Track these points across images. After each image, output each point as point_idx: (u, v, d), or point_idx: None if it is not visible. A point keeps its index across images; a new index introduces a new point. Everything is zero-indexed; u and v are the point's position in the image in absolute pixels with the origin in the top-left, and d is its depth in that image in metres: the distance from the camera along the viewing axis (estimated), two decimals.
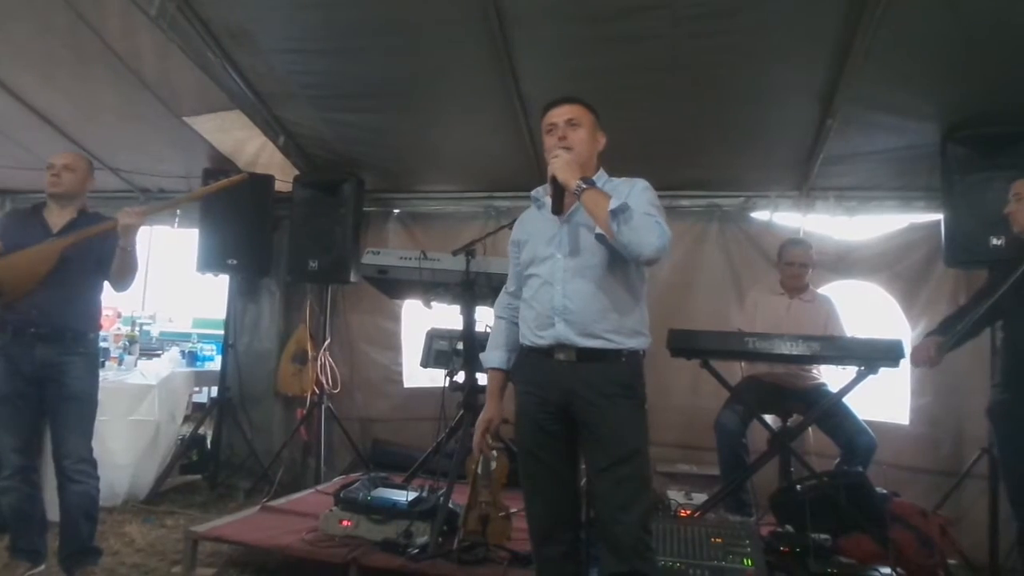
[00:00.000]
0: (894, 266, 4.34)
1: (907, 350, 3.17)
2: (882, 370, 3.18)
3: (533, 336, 2.23)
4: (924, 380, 4.15)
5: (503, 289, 2.51)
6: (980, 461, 3.65)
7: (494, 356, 2.43)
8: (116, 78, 4.23)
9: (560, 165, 2.16)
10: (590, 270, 2.18)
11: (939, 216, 3.97)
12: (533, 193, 2.42)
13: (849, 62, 3.41)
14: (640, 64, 3.60)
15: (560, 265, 2.21)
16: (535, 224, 2.37)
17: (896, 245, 4.37)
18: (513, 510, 3.16)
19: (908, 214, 4.36)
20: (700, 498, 3.66)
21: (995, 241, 3.53)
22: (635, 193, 2.16)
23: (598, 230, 2.10)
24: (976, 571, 3.52)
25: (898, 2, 3.05)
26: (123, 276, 3.08)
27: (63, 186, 3.08)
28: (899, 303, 4.32)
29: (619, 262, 2.16)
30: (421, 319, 4.78)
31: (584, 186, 2.10)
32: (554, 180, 2.17)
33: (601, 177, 2.30)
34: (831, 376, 3.78)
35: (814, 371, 3.80)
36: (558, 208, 2.21)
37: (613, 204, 2.02)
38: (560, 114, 2.28)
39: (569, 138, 2.24)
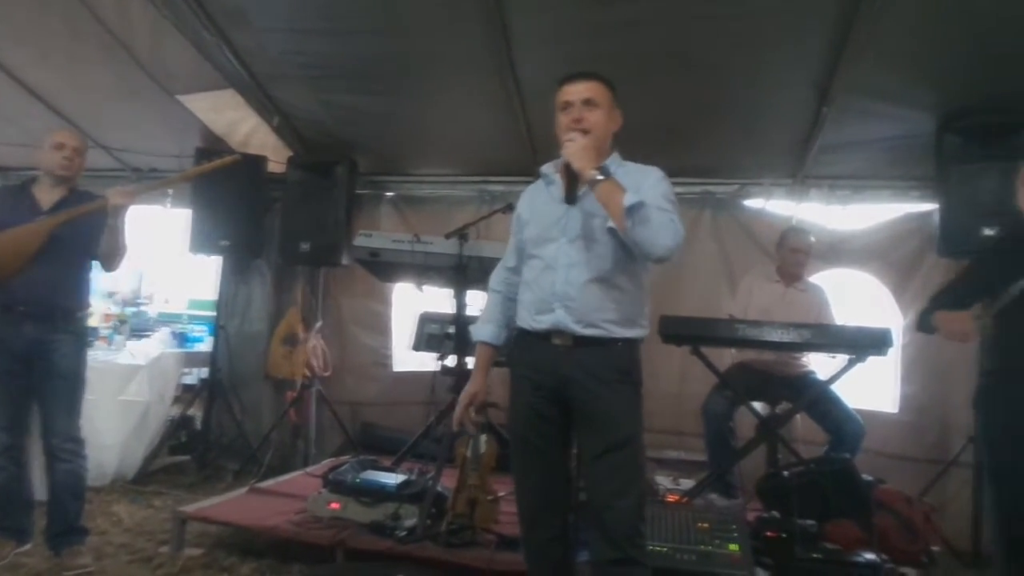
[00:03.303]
0: (887, 255, 4.35)
1: (897, 339, 3.17)
2: (871, 358, 3.19)
3: (530, 319, 2.18)
4: (912, 369, 4.18)
5: (501, 262, 2.43)
6: (966, 450, 3.68)
7: (485, 330, 2.37)
8: (109, 55, 4.19)
9: (576, 151, 2.04)
10: (595, 258, 2.11)
11: (933, 206, 3.99)
12: (543, 168, 2.31)
13: (847, 49, 3.39)
14: (637, 49, 3.57)
15: (564, 250, 2.14)
16: (542, 202, 2.27)
17: (889, 235, 4.38)
18: (501, 494, 3.18)
19: (902, 203, 4.37)
20: (688, 483, 3.68)
21: (988, 231, 3.53)
22: (649, 184, 2.08)
23: (610, 223, 2.04)
24: (959, 557, 3.55)
25: None
26: (112, 255, 3.07)
27: (74, 169, 3.11)
28: (891, 292, 4.33)
29: (625, 252, 2.09)
30: (412, 302, 4.77)
31: (600, 177, 2.00)
32: (568, 166, 2.07)
33: (615, 161, 2.20)
34: (820, 364, 3.80)
35: (803, 359, 3.81)
36: (571, 197, 2.10)
37: (629, 200, 1.93)
38: (577, 92, 2.15)
39: (586, 119, 2.12)
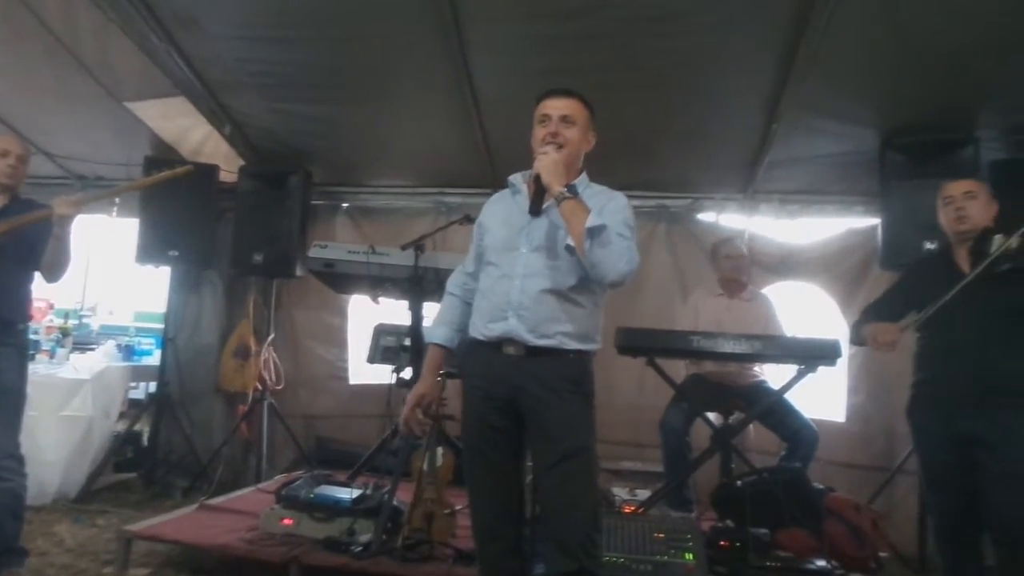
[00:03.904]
0: (833, 268, 4.48)
1: (844, 350, 3.26)
2: (820, 368, 3.27)
3: (483, 327, 2.19)
4: (858, 379, 4.30)
5: (459, 267, 2.44)
6: (911, 458, 3.78)
7: (438, 332, 2.37)
8: (54, 59, 4.08)
9: (547, 165, 2.09)
10: (552, 270, 2.14)
11: (876, 221, 4.12)
12: (511, 178, 2.34)
13: (795, 67, 3.50)
14: (593, 64, 3.61)
15: (525, 259, 2.16)
16: (506, 210, 2.29)
17: (836, 248, 4.51)
18: (458, 507, 3.16)
19: (847, 218, 4.51)
20: (644, 494, 3.71)
21: (928, 245, 3.66)
22: (612, 209, 2.13)
23: (569, 241, 2.06)
24: (905, 562, 3.64)
25: (842, 12, 3.14)
26: (56, 266, 2.96)
27: (18, 178, 3.02)
28: (838, 304, 4.45)
29: (582, 268, 2.11)
30: (368, 314, 4.73)
31: (567, 194, 2.05)
32: (538, 179, 2.11)
33: (583, 181, 2.25)
34: (772, 373, 3.88)
35: (755, 369, 3.89)
36: (536, 209, 2.13)
37: (591, 221, 1.98)
38: (556, 107, 2.20)
39: (561, 135, 2.17)
